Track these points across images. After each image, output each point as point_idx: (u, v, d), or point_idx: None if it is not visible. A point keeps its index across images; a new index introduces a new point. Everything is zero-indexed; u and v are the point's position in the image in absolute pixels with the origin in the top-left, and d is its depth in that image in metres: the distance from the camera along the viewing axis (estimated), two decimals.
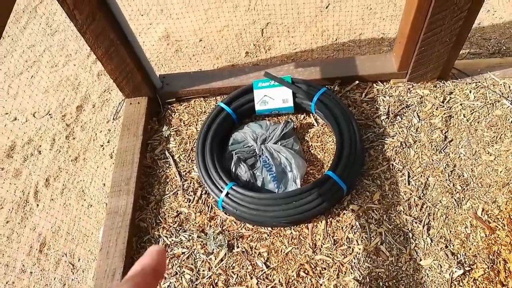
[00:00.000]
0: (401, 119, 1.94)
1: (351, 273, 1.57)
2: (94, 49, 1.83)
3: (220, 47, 2.60)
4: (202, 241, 1.74)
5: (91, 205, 2.09)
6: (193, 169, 1.96)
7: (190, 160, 1.99)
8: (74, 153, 2.31)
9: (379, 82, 2.08)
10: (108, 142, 2.31)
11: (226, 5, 2.81)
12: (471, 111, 1.92)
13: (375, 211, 1.69)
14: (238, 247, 1.71)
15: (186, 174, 1.96)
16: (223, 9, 2.79)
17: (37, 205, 2.16)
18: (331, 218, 1.70)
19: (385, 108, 1.98)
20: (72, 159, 2.29)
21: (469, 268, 1.50)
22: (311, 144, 1.95)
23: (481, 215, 1.62)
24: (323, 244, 1.65)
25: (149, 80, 2.11)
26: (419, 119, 1.92)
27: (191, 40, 2.68)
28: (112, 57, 1.87)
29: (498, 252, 1.52)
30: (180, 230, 1.80)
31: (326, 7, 2.67)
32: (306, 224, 1.71)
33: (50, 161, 2.30)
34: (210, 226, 1.78)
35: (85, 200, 2.12)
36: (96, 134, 2.36)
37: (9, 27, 2.98)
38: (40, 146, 2.38)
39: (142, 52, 1.96)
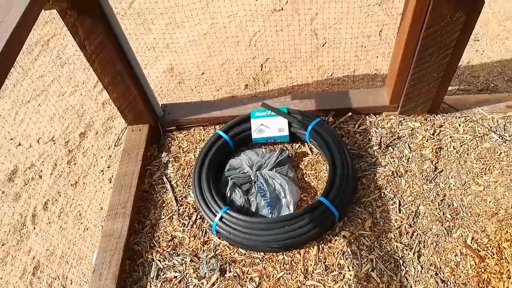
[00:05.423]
0: (393, 149, 2.00)
1: None
2: (101, 78, 1.93)
3: (221, 80, 2.73)
4: (194, 265, 1.75)
5: (88, 228, 2.12)
6: (190, 194, 2.00)
7: (186, 186, 2.04)
8: (74, 178, 2.36)
9: (371, 114, 2.16)
10: (108, 167, 2.36)
11: (228, 42, 2.97)
12: (460, 143, 1.98)
13: (366, 238, 1.71)
14: (230, 271, 1.72)
15: (182, 199, 2.00)
16: (225, 45, 2.94)
17: (34, 228, 2.18)
18: (323, 244, 1.72)
19: (377, 139, 2.05)
20: (72, 184, 2.33)
21: None
22: (305, 172, 2.00)
23: (471, 243, 1.64)
24: (315, 269, 1.66)
25: (151, 108, 2.20)
26: (410, 150, 1.98)
27: (193, 73, 2.81)
28: (118, 85, 1.97)
29: (488, 280, 1.53)
30: (174, 254, 1.81)
31: (323, 45, 2.81)
32: (298, 250, 1.73)
33: (50, 186, 2.35)
34: (203, 250, 1.80)
35: (81, 223, 2.15)
36: (97, 160, 2.43)
37: (21, 58, 3.14)
38: (41, 171, 2.44)
39: (146, 81, 2.06)
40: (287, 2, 3.19)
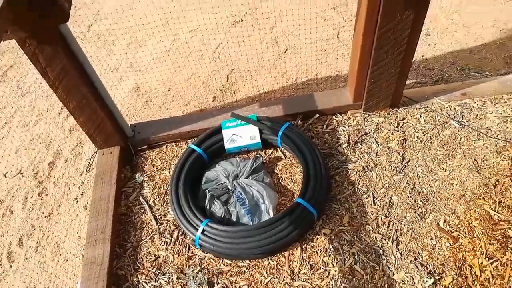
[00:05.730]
0: (361, 145, 2.08)
1: None
2: (66, 104, 1.91)
3: (188, 94, 2.74)
4: (182, 282, 1.75)
5: (67, 259, 2.06)
6: (169, 212, 2.00)
7: (164, 204, 2.03)
8: (47, 210, 2.30)
9: (337, 114, 2.24)
10: (82, 194, 2.32)
11: (191, 56, 2.99)
12: (423, 133, 2.09)
13: (346, 233, 1.77)
14: (218, 283, 1.72)
15: (161, 217, 1.99)
16: (189, 60, 2.96)
17: (11, 266, 2.11)
18: (305, 244, 1.76)
19: (345, 137, 2.12)
20: (46, 216, 2.27)
21: (439, 277, 1.58)
22: (281, 176, 2.04)
23: (444, 226, 1.73)
24: (301, 270, 1.69)
25: (120, 129, 2.18)
26: (378, 144, 2.07)
27: (160, 90, 2.81)
28: (84, 109, 1.95)
29: (463, 258, 1.61)
30: (159, 274, 1.80)
31: (284, 52, 2.89)
32: (282, 253, 1.76)
33: (23, 220, 2.27)
34: (189, 266, 1.80)
35: (60, 255, 2.09)
36: (69, 188, 2.38)
37: None
38: (12, 206, 2.36)
39: (112, 102, 2.05)
40: (246, 13, 3.26)
